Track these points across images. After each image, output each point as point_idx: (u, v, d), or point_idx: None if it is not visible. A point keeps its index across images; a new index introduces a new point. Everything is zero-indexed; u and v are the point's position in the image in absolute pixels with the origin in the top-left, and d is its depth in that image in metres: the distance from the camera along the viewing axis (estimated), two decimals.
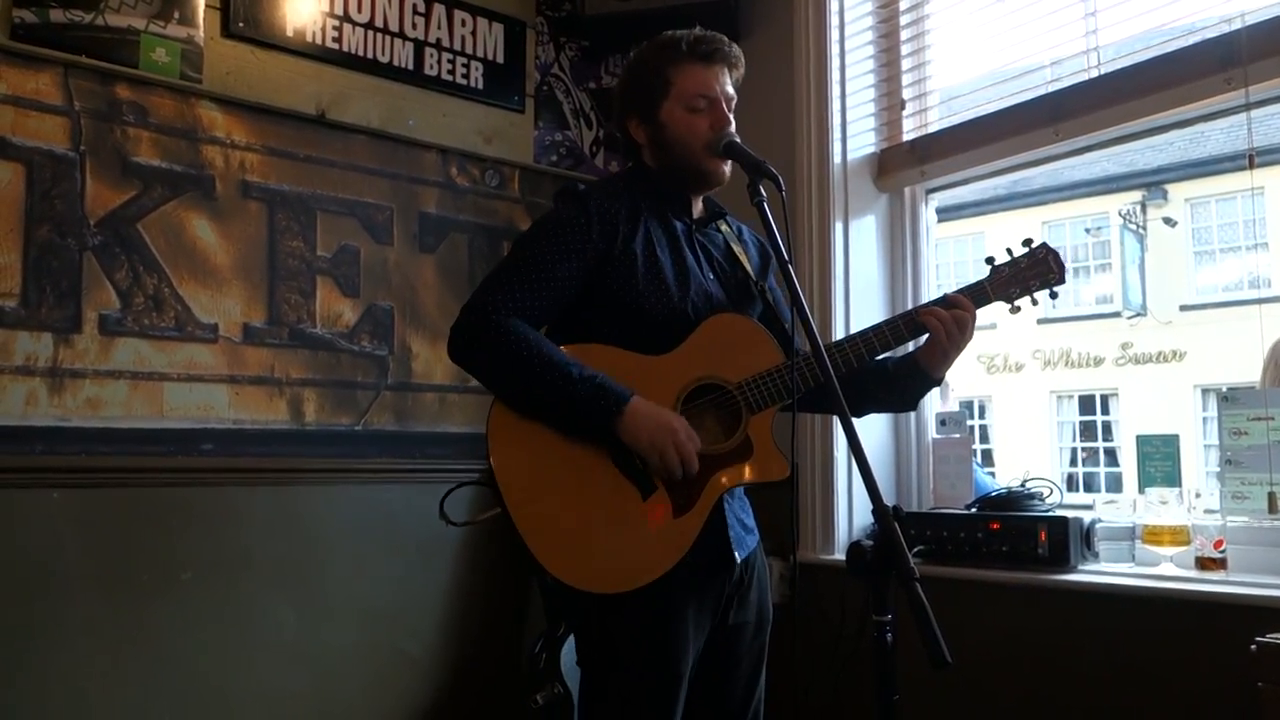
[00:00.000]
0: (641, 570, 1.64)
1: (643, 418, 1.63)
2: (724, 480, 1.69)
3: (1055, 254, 1.78)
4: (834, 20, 2.91)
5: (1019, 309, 1.80)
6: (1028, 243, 1.80)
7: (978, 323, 1.77)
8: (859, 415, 1.73)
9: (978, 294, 1.78)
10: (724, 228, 1.91)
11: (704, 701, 1.81)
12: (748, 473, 1.71)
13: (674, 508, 1.67)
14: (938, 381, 1.84)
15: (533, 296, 1.70)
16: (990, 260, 1.81)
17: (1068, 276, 1.80)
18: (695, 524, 1.67)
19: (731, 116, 1.82)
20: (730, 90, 1.82)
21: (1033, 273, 1.78)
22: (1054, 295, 1.80)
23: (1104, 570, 2.33)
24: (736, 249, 1.89)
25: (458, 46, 3.03)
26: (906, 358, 1.84)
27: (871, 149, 2.94)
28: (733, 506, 1.79)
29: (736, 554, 1.74)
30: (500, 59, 3.12)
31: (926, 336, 1.77)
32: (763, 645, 1.87)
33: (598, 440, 1.67)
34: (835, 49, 2.91)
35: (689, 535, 1.66)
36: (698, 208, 1.90)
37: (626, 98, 1.87)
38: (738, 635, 1.82)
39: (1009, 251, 1.80)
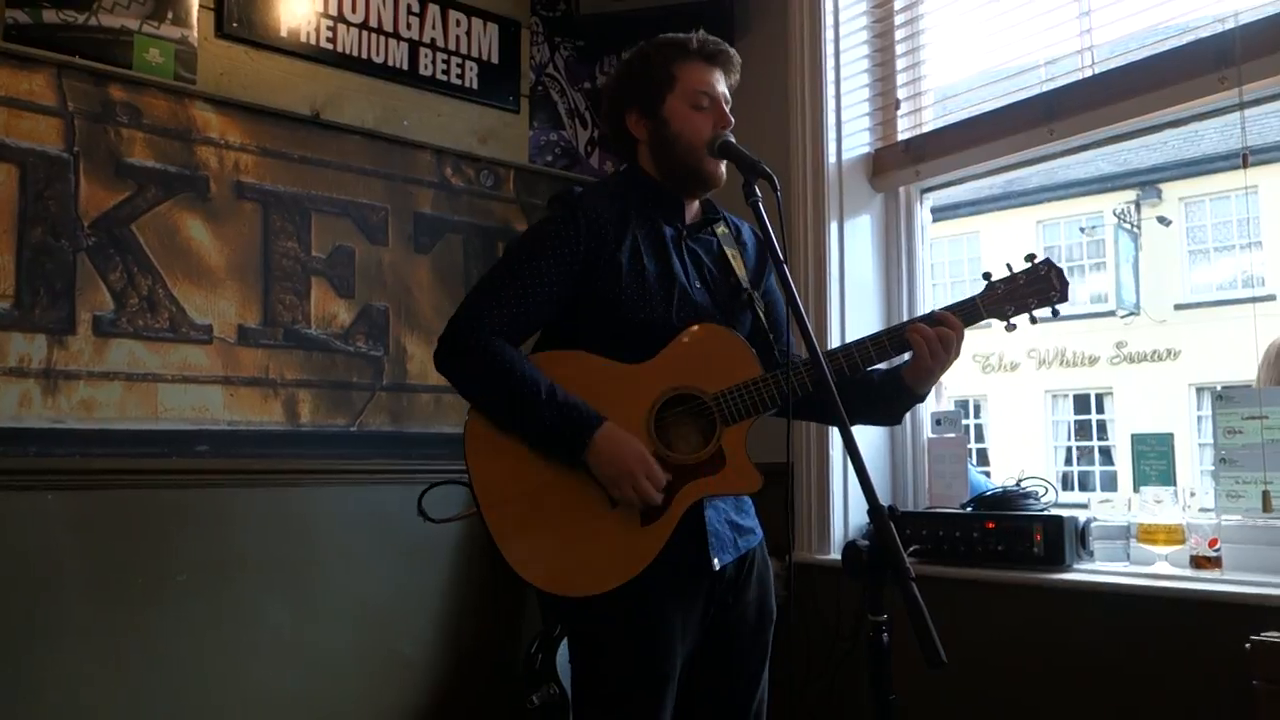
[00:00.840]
0: (606, 576, 1.65)
1: (608, 449, 1.64)
2: (694, 491, 1.69)
3: (1058, 271, 1.72)
4: (829, 20, 2.91)
5: (1014, 327, 1.73)
6: (1030, 258, 1.74)
7: (973, 328, 1.75)
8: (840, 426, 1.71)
9: (968, 312, 1.73)
10: (721, 230, 1.89)
11: (705, 700, 1.80)
12: (717, 485, 1.70)
13: (642, 516, 1.67)
14: (921, 398, 1.81)
15: (518, 308, 1.71)
16: (987, 276, 1.75)
17: (1070, 293, 1.72)
18: (663, 533, 1.67)
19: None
20: (727, 94, 1.83)
21: (1032, 290, 1.72)
22: (1055, 314, 1.74)
23: (1099, 569, 2.33)
24: (731, 253, 1.87)
25: (452, 46, 3.03)
26: (891, 372, 1.81)
27: (866, 148, 2.94)
28: (721, 511, 1.78)
29: (715, 560, 1.73)
30: (495, 59, 3.12)
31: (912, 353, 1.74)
32: (765, 643, 1.86)
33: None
34: (830, 48, 2.91)
35: (656, 544, 1.66)
36: (693, 210, 1.88)
37: (627, 91, 1.86)
38: (736, 633, 1.81)
39: (1009, 267, 1.74)
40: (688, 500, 1.69)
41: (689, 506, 1.69)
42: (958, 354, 1.73)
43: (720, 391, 1.69)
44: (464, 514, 1.76)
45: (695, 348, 1.73)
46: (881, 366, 1.80)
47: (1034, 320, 1.74)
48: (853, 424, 1.90)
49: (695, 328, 1.74)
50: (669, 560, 1.67)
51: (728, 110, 1.81)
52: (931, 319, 1.73)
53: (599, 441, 1.64)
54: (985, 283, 1.76)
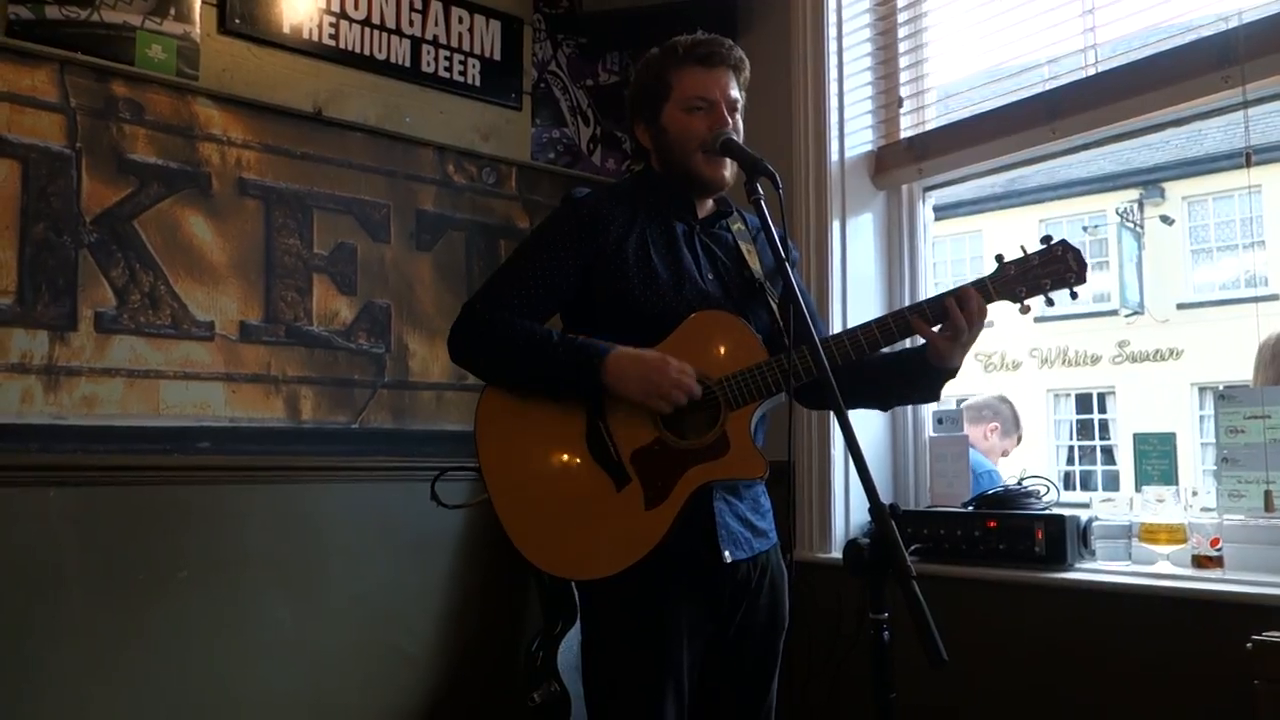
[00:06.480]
0: (611, 559, 1.67)
1: (627, 363, 1.66)
2: (698, 475, 1.69)
3: (1076, 252, 1.68)
4: (831, 18, 2.90)
5: (1028, 309, 1.70)
6: (1046, 239, 1.71)
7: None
8: (883, 408, 1.87)
9: (980, 292, 1.69)
10: (736, 226, 1.89)
11: (713, 705, 1.81)
12: (722, 470, 1.70)
13: (646, 500, 1.67)
14: (954, 373, 1.76)
15: (523, 295, 1.76)
16: (999, 257, 1.72)
17: (1088, 275, 1.68)
18: (667, 517, 1.67)
19: (737, 119, 1.81)
20: (733, 94, 1.81)
21: (1046, 271, 1.68)
22: (1074, 296, 1.70)
23: (1101, 568, 2.33)
24: (745, 247, 1.87)
25: (455, 43, 3.03)
26: (917, 353, 1.77)
27: (869, 146, 2.94)
28: (735, 506, 1.78)
29: (726, 554, 1.73)
30: (497, 56, 3.11)
31: (940, 327, 1.70)
32: (774, 649, 1.85)
33: (576, 430, 1.71)
34: (833, 46, 2.90)
35: (660, 528, 1.66)
36: (706, 208, 1.89)
37: (633, 103, 1.89)
38: (746, 637, 1.81)
39: (1023, 248, 1.70)
40: (691, 485, 1.68)
41: (694, 494, 1.68)
42: (981, 325, 1.70)
43: (724, 376, 1.70)
44: (476, 500, 1.80)
45: (700, 333, 1.74)
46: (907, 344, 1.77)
47: (1050, 303, 1.70)
48: (888, 406, 1.97)
49: (700, 314, 1.75)
50: (678, 554, 1.67)
51: (730, 111, 1.79)
52: (955, 294, 1.69)
53: (612, 361, 1.66)
54: (997, 264, 1.72)
